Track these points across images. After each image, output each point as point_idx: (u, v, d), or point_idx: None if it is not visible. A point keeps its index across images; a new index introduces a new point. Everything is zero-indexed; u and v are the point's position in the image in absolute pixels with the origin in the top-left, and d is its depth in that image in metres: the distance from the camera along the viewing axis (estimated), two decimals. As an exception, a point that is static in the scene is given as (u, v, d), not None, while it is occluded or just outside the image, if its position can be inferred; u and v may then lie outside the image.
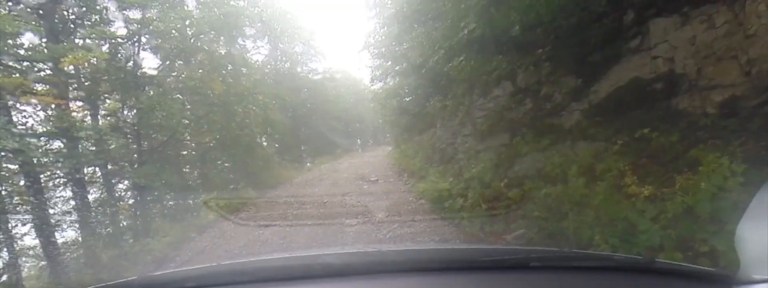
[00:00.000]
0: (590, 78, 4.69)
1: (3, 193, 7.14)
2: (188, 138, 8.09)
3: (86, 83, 7.30)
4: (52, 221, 6.24)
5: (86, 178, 7.11)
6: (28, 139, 4.92)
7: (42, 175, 6.53)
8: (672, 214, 2.17)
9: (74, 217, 6.36)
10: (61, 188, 7.90)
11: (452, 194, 5.07)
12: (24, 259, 6.73)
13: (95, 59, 6.20)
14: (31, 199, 6.88)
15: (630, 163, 3.44)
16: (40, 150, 6.12)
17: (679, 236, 2.02)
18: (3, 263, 6.80)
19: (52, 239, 7.36)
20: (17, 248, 6.30)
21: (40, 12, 7.03)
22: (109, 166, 7.10)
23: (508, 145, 5.29)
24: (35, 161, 6.04)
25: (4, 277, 6.55)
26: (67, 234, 7.52)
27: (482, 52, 5.71)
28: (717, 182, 2.07)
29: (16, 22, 5.31)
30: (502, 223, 3.88)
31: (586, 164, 3.69)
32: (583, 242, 2.54)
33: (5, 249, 7.02)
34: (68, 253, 6.00)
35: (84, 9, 7.58)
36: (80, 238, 6.27)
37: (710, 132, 3.49)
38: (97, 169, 8.08)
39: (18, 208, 7.07)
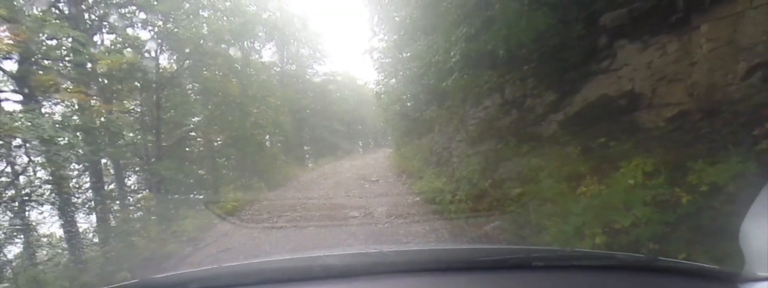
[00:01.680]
0: (567, 93, 5.35)
1: (35, 183, 7.86)
2: (203, 135, 8.77)
3: (110, 82, 8.00)
4: (86, 208, 6.88)
5: (111, 170, 7.78)
6: (61, 131, 5.52)
7: (73, 166, 7.20)
8: (599, 203, 2.84)
9: (107, 204, 7.02)
10: (84, 178, 8.65)
11: (444, 192, 5.74)
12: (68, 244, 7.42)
13: (126, 62, 6.86)
14: (53, 188, 7.59)
15: (591, 167, 4.09)
16: (67, 142, 6.77)
17: (597, 219, 2.69)
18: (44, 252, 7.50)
19: (76, 227, 8.11)
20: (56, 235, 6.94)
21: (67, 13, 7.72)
22: (137, 159, 7.76)
23: (495, 151, 5.95)
24: (62, 154, 6.68)
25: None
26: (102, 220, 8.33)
27: (475, 67, 6.38)
28: (629, 178, 2.74)
29: (55, 25, 5.93)
30: (484, 217, 4.54)
31: (556, 167, 4.34)
32: (539, 227, 3.20)
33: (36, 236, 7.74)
34: (109, 237, 6.65)
35: (114, 15, 8.31)
36: (113, 223, 6.94)
37: (660, 141, 4.15)
38: (120, 162, 8.85)
39: (46, 197, 7.77)
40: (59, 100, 7.08)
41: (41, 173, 7.72)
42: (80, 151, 6.19)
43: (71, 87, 6.44)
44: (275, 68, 19.85)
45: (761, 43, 3.55)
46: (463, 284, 1.09)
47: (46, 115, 6.10)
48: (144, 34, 8.91)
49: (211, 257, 4.36)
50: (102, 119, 6.63)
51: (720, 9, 3.87)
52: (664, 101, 4.29)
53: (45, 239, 8.18)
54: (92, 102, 6.78)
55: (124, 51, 7.59)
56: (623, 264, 1.20)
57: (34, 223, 7.92)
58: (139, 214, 6.63)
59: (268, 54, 19.62)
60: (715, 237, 2.26)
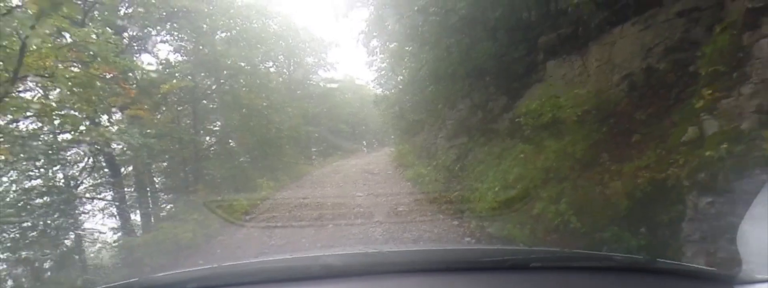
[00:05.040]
0: (514, 97, 7.12)
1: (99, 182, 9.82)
2: (234, 140, 10.71)
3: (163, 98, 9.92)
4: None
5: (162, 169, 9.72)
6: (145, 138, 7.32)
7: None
8: (513, 176, 4.64)
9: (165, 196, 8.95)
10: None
11: (426, 175, 7.56)
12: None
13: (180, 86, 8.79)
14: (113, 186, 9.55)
15: (522, 151, 5.87)
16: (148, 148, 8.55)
17: (510, 184, 4.48)
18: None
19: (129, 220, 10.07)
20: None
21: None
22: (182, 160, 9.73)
23: (465, 144, 7.74)
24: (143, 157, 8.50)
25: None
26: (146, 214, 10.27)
27: (450, 79, 8.18)
28: (511, 160, 4.55)
29: (134, 62, 7.80)
30: (451, 190, 6.34)
31: (499, 153, 6.12)
32: (480, 189, 5.00)
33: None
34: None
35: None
36: (174, 209, 8.87)
37: (570, 129, 5.92)
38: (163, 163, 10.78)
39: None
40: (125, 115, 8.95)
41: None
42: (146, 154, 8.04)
43: (137, 104, 8.30)
44: (283, 76, 21.69)
45: (627, 61, 5.31)
46: (462, 285, 1.10)
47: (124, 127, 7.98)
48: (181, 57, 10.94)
49: (266, 219, 6.16)
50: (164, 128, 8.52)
51: (603, 37, 5.65)
52: (576, 101, 6.07)
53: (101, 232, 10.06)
54: (155, 116, 8.67)
55: (175, 74, 9.52)
56: (621, 265, 1.22)
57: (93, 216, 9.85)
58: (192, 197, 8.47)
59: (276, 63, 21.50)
60: (556, 182, 4.03)
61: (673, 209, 2.56)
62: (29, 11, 3.75)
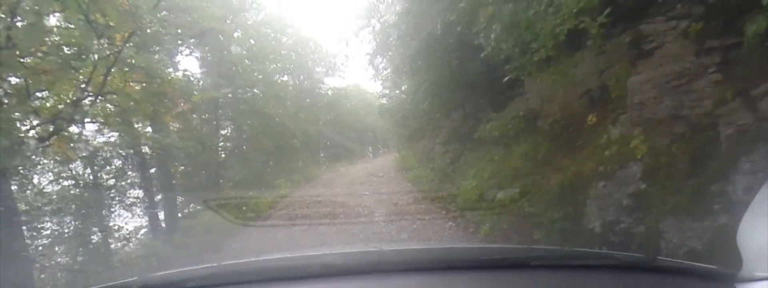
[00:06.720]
0: (499, 110, 8.22)
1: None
2: (252, 145, 11.99)
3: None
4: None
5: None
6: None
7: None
8: (488, 174, 5.73)
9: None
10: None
11: (424, 176, 8.67)
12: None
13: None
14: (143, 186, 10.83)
15: (497, 155, 6.95)
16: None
17: (481, 175, 5.56)
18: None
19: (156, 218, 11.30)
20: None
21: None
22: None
23: (458, 149, 8.84)
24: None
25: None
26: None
27: (446, 92, 9.31)
28: (488, 161, 5.63)
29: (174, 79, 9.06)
30: (444, 188, 7.43)
31: (483, 156, 7.21)
32: (463, 185, 6.09)
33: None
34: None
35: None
36: (196, 207, 10.10)
37: (544, 136, 7.00)
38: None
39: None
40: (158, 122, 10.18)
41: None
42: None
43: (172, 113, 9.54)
44: (294, 85, 22.96)
45: (586, 79, 6.38)
46: (462, 284, 1.12)
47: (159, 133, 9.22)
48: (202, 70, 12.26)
49: (288, 212, 7.32)
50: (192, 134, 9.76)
51: (567, 60, 6.75)
52: (546, 113, 7.16)
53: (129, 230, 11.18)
54: (185, 122, 9.93)
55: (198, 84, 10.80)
56: (622, 264, 1.23)
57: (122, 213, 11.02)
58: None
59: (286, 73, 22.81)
60: (522, 178, 5.10)
61: (585, 193, 3.64)
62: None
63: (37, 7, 3.97)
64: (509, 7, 4.36)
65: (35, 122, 4.91)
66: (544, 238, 3.71)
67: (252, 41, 12.92)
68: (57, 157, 7.97)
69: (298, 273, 1.19)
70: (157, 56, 7.72)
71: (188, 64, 12.53)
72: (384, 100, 16.76)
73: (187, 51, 12.08)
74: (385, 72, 13.35)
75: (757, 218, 0.95)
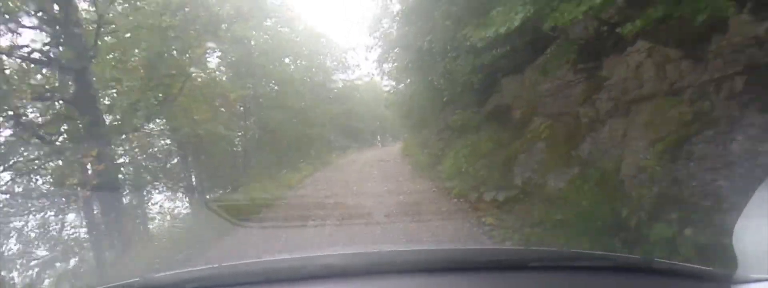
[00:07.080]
0: (481, 104, 10.07)
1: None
2: (277, 134, 14.12)
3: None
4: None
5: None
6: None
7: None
8: (463, 155, 7.63)
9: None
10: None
11: (422, 160, 10.63)
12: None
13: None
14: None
15: (475, 140, 8.82)
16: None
17: (459, 160, 7.46)
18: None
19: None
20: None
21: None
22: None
23: (450, 137, 10.74)
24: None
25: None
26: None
27: (441, 89, 11.17)
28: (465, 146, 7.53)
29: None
30: (434, 168, 9.37)
31: (471, 143, 9.09)
32: (445, 162, 8.02)
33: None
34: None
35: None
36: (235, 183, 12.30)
37: (513, 128, 8.86)
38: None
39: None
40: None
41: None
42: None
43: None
44: (308, 80, 24.87)
45: (548, 83, 8.19)
46: (462, 284, 1.13)
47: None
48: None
49: (313, 187, 9.39)
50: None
51: (532, 65, 8.57)
52: (516, 107, 9.00)
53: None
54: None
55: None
56: (619, 265, 1.24)
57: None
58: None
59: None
60: (482, 157, 7.00)
61: (514, 161, 5.56)
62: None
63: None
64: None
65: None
66: (486, 190, 5.60)
67: (269, 39, 14.94)
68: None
69: (298, 274, 1.22)
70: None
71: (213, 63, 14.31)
72: (390, 94, 18.65)
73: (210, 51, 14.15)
74: (391, 67, 15.21)
75: (753, 220, 0.97)
